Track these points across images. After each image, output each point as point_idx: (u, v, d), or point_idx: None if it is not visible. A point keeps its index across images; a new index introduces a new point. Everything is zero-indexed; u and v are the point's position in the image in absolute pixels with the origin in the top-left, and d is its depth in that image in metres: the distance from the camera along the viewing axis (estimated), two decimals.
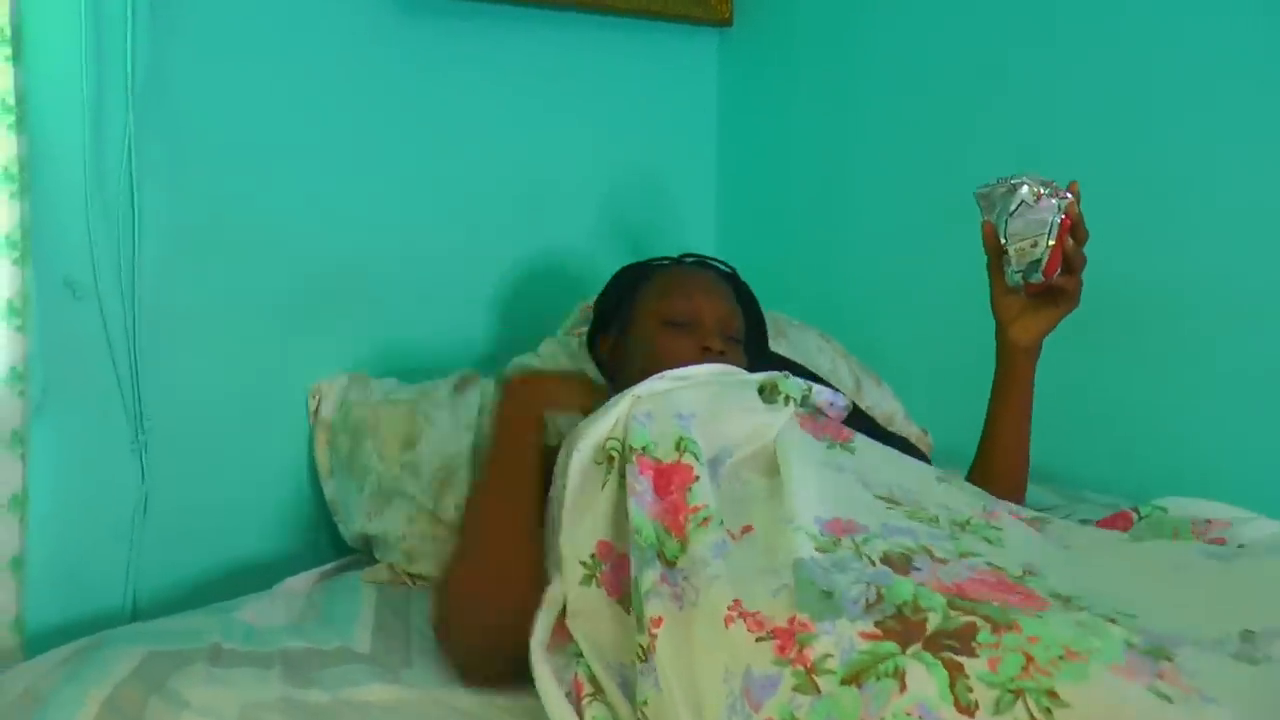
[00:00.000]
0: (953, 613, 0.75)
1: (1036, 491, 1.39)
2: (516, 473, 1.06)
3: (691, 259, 1.37)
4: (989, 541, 0.92)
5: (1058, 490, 1.44)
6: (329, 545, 1.44)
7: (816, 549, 0.85)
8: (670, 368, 1.15)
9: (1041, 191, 1.05)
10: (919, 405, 1.64)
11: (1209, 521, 1.06)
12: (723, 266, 1.37)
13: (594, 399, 1.12)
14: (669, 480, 0.95)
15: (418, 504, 1.31)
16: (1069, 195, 1.05)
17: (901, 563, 0.84)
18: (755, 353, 1.33)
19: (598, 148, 1.78)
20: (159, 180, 1.24)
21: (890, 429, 1.49)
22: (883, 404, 1.61)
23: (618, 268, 1.40)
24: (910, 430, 1.61)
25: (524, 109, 1.66)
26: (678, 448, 0.98)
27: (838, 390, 1.25)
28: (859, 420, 1.36)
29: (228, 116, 1.32)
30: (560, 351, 1.48)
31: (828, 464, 1.01)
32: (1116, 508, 1.34)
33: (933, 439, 1.61)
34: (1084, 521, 1.16)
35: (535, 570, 1.01)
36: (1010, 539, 0.94)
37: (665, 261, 1.38)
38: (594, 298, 1.55)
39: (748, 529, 0.93)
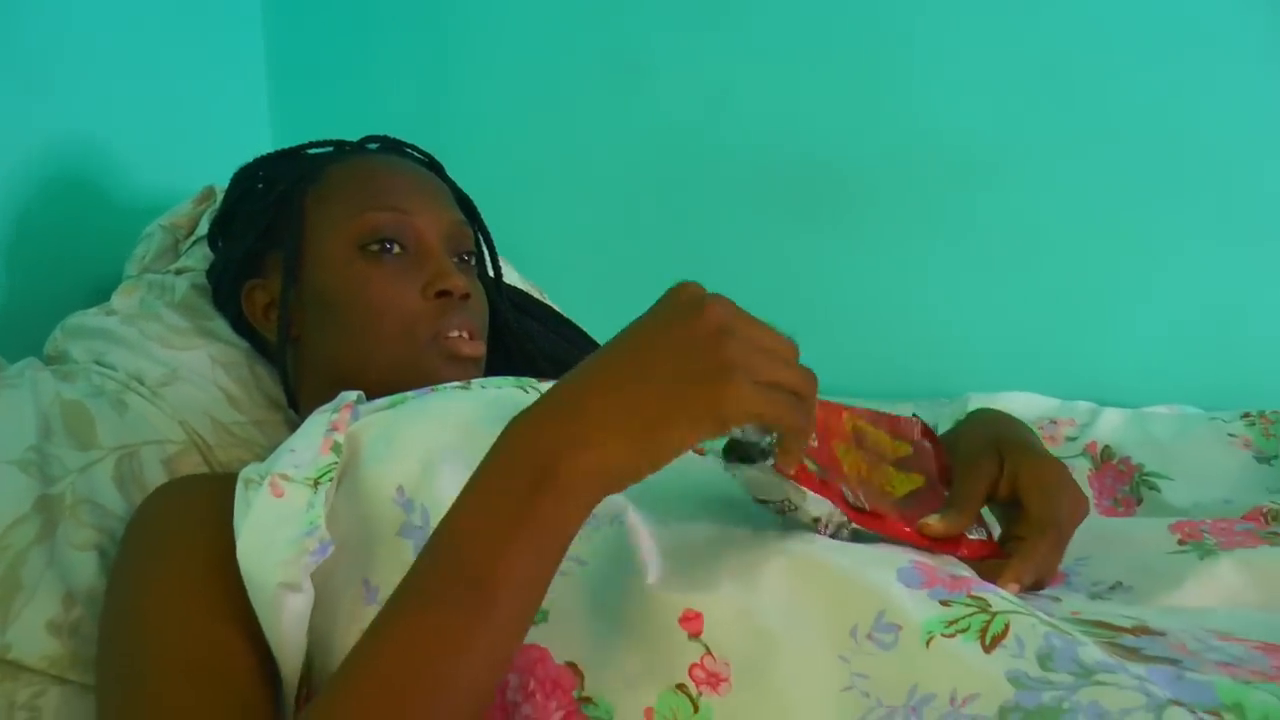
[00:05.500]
0: None
1: None
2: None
3: (375, 142, 0.91)
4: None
5: None
6: None
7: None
8: (396, 326, 0.77)
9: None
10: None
11: (1054, 422, 1.00)
12: (419, 154, 0.93)
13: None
14: None
15: None
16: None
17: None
18: (492, 285, 0.93)
19: None
20: None
21: None
22: None
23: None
24: None
25: None
26: None
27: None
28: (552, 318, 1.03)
29: None
30: (161, 301, 0.91)
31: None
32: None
33: None
34: None
35: None
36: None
37: (327, 147, 0.90)
38: (179, 215, 1.01)
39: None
